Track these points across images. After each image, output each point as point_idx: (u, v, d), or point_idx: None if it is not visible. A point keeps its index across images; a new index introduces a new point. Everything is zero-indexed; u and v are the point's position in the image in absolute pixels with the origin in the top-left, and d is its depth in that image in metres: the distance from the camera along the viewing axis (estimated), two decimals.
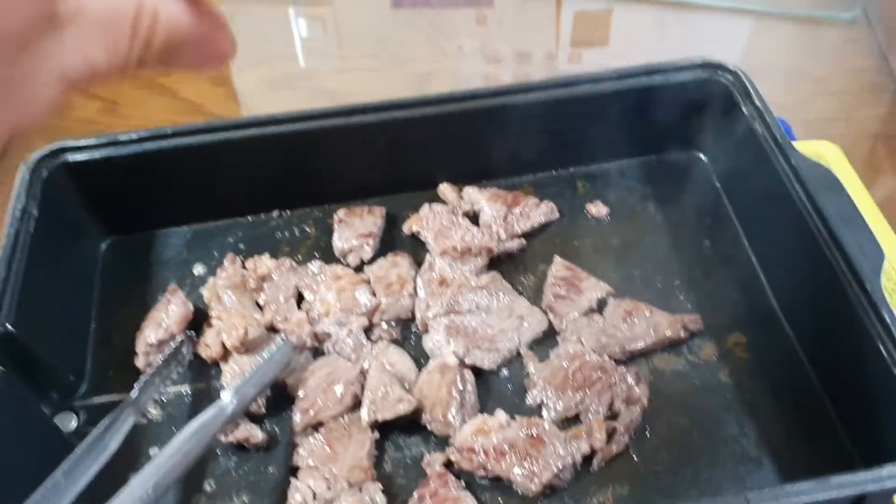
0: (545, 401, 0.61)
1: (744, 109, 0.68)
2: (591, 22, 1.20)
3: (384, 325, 0.67)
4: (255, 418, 0.62)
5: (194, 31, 0.27)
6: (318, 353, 0.66)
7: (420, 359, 0.65)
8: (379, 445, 0.60)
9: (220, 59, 0.30)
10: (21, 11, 0.22)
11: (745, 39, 1.16)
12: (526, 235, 0.73)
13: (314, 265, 0.71)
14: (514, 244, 0.72)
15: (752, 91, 0.68)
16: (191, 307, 0.68)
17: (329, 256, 0.73)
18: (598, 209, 0.74)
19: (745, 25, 1.17)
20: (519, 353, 0.65)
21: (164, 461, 0.54)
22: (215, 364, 0.66)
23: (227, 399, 0.58)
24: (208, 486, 0.60)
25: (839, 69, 1.08)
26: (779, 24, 1.16)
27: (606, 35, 1.19)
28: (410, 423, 0.61)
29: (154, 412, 0.64)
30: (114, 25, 0.25)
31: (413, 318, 0.68)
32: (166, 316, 0.67)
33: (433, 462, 0.58)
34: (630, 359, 0.63)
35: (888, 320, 0.53)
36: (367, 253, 0.72)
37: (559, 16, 1.19)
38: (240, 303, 0.67)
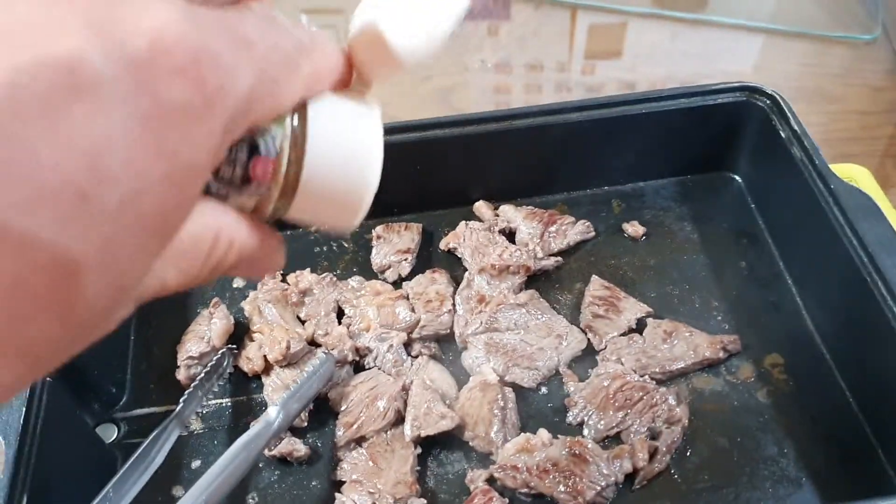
0: (586, 420, 0.61)
1: (781, 133, 0.68)
2: (606, 35, 1.20)
3: (423, 341, 0.68)
4: (297, 431, 0.63)
5: (256, 253, 0.27)
6: (358, 367, 0.67)
7: (458, 375, 0.66)
8: (421, 461, 0.61)
9: (270, 272, 0.30)
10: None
11: (757, 56, 1.17)
12: (562, 253, 0.73)
13: (354, 280, 0.71)
14: (551, 262, 0.72)
15: (789, 115, 0.68)
16: (232, 321, 0.68)
17: (367, 272, 0.73)
18: (634, 229, 0.74)
19: (758, 42, 1.18)
20: (557, 372, 0.65)
21: (213, 476, 0.54)
22: (255, 376, 0.66)
23: (274, 414, 0.59)
24: (252, 499, 0.60)
25: (856, 87, 1.09)
26: (794, 41, 1.17)
27: (620, 48, 1.19)
28: (451, 439, 0.62)
29: (195, 424, 0.65)
30: (191, 252, 0.25)
31: (451, 334, 0.69)
32: (209, 329, 0.67)
33: (476, 479, 0.59)
34: (669, 378, 0.64)
35: None
36: (405, 269, 0.72)
37: (574, 28, 1.20)
38: (281, 317, 0.68)
